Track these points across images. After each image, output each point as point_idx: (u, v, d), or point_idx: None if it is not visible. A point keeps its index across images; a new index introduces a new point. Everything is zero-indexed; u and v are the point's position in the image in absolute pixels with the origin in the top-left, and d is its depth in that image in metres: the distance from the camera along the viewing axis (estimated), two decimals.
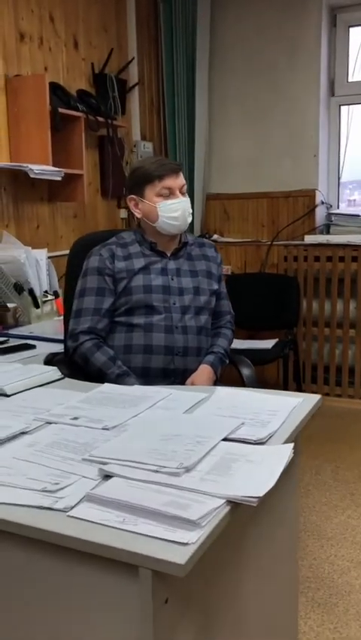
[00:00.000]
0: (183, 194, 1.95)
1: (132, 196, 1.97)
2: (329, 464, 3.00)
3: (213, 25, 3.87)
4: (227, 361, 2.04)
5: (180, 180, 1.95)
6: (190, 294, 1.96)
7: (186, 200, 1.95)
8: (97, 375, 1.87)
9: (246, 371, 2.06)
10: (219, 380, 2.00)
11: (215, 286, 2.05)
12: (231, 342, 2.09)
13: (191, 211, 1.97)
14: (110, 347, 1.92)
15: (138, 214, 1.98)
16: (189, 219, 1.96)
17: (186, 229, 2.01)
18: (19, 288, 2.62)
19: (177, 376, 1.91)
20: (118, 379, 1.82)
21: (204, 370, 1.94)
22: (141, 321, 1.91)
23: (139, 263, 1.96)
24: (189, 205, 1.96)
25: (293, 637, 1.60)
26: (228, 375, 2.11)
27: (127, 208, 3.66)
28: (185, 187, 1.96)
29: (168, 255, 2.00)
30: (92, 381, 1.86)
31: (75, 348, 1.92)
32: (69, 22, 3.19)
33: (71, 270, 2.08)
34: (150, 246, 1.99)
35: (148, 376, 1.89)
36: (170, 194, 1.92)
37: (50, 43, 3.07)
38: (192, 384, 1.89)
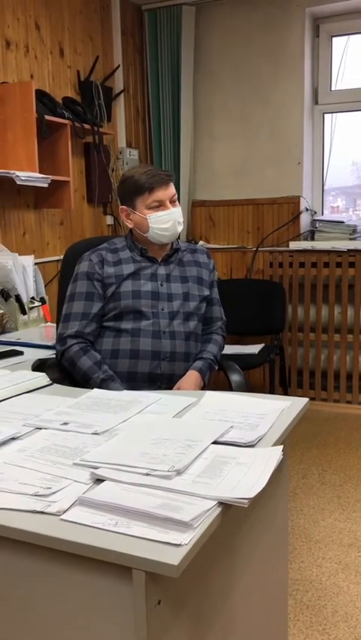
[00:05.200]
0: (173, 203, 1.96)
1: (124, 207, 1.99)
2: (316, 468, 3.02)
3: (197, 34, 3.91)
4: (216, 367, 2.04)
5: (170, 191, 1.96)
6: (179, 300, 1.97)
7: (177, 210, 1.97)
8: (83, 380, 1.88)
9: (236, 377, 2.04)
10: (208, 386, 1.99)
11: (206, 292, 2.05)
12: (221, 349, 2.08)
13: (181, 220, 1.98)
14: (97, 352, 1.93)
15: (129, 224, 2.00)
16: (180, 228, 1.98)
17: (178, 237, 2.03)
18: (5, 294, 2.62)
19: (163, 381, 1.92)
20: (103, 384, 1.84)
21: (192, 375, 1.94)
22: (128, 326, 1.92)
23: (129, 268, 1.97)
24: (180, 214, 1.97)
25: (283, 638, 1.61)
26: (218, 380, 2.11)
27: (113, 214, 3.72)
28: (175, 196, 1.98)
29: (159, 260, 2.02)
30: (79, 386, 1.87)
31: (63, 352, 1.93)
32: (55, 30, 3.21)
33: (64, 275, 2.09)
34: (141, 251, 2.01)
35: (134, 381, 1.90)
36: (160, 205, 1.93)
37: (35, 51, 3.08)
38: (179, 389, 1.90)
